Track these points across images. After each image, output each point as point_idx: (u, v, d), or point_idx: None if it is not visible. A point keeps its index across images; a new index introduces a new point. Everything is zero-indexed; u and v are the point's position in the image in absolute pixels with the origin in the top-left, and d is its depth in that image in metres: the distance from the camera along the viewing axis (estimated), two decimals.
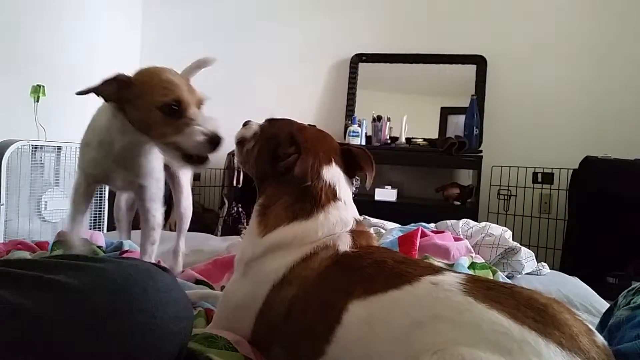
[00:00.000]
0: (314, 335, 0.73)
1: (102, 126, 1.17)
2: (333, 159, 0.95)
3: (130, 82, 1.06)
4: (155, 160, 1.27)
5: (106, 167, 1.23)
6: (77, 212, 1.33)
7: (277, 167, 0.91)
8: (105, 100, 1.11)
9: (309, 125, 1.03)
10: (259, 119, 1.06)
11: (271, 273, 0.83)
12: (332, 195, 0.90)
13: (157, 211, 1.34)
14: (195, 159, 1.07)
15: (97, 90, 1.06)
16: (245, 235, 0.96)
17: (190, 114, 1.04)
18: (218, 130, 1.04)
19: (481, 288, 0.64)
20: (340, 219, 0.88)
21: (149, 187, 1.29)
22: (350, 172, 0.98)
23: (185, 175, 1.56)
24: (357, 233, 0.88)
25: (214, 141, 1.04)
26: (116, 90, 1.06)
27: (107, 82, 1.05)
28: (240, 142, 1.03)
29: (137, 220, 1.46)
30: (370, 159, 0.98)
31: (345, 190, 0.93)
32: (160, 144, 1.09)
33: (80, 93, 1.06)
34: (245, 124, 1.06)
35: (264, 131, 1.00)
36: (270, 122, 1.02)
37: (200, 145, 1.03)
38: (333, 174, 0.93)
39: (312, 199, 0.89)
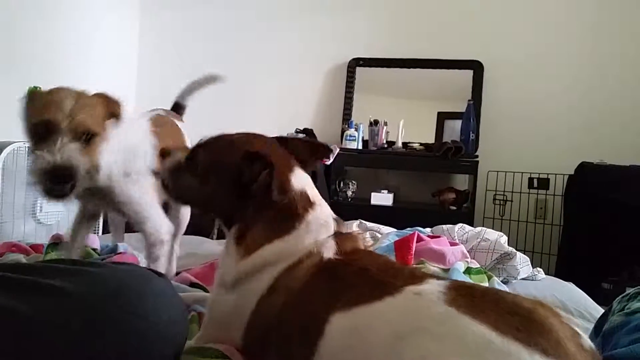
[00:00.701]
0: (299, 345, 0.72)
1: None
2: (292, 163, 0.91)
3: None
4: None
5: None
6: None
7: (249, 192, 0.84)
8: None
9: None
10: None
11: (258, 289, 0.81)
12: (307, 202, 0.87)
13: (152, 228, 1.29)
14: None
15: None
16: (225, 258, 0.90)
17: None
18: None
19: (464, 296, 0.63)
20: (321, 225, 0.86)
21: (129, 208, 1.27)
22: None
23: None
24: (341, 237, 0.86)
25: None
26: None
27: None
28: (174, 169, 0.95)
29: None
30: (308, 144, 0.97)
31: (313, 190, 0.91)
32: None
33: None
34: (164, 153, 0.98)
35: (204, 162, 0.90)
36: (205, 147, 0.92)
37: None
38: (300, 179, 0.90)
39: (290, 213, 0.85)
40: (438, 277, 0.74)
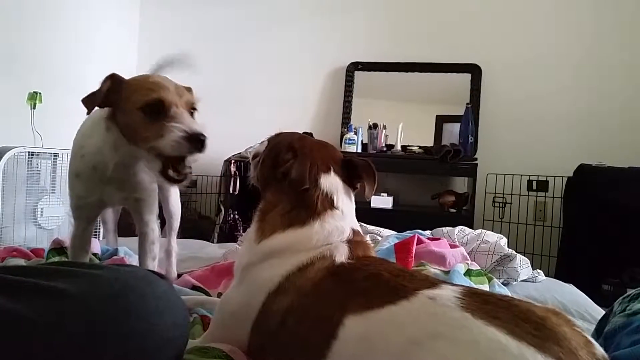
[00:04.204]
0: (309, 348, 0.72)
1: (95, 149, 1.13)
2: (332, 168, 0.95)
3: (121, 83, 1.05)
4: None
5: (101, 191, 1.17)
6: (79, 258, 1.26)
7: (276, 172, 0.93)
8: (100, 105, 1.07)
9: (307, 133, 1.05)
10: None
11: (267, 281, 0.82)
12: (329, 204, 0.90)
13: (155, 223, 1.29)
14: (174, 175, 1.02)
15: (97, 93, 1.04)
16: (244, 241, 0.97)
17: (171, 113, 0.99)
18: (200, 129, 0.98)
19: (478, 302, 0.63)
20: (336, 227, 0.88)
21: (147, 199, 1.24)
22: (351, 182, 0.98)
23: None
24: (354, 243, 0.88)
25: (194, 138, 0.96)
26: (108, 92, 1.04)
27: (103, 81, 1.05)
28: (254, 157, 1.07)
29: (123, 224, 1.40)
30: (373, 170, 0.98)
31: (343, 199, 0.93)
32: (144, 151, 1.04)
33: (85, 102, 1.05)
34: (263, 142, 1.09)
35: (269, 142, 1.02)
36: (277, 134, 1.05)
37: (177, 144, 0.96)
38: (331, 182, 0.93)
39: (308, 207, 0.89)
40: (452, 284, 0.74)
